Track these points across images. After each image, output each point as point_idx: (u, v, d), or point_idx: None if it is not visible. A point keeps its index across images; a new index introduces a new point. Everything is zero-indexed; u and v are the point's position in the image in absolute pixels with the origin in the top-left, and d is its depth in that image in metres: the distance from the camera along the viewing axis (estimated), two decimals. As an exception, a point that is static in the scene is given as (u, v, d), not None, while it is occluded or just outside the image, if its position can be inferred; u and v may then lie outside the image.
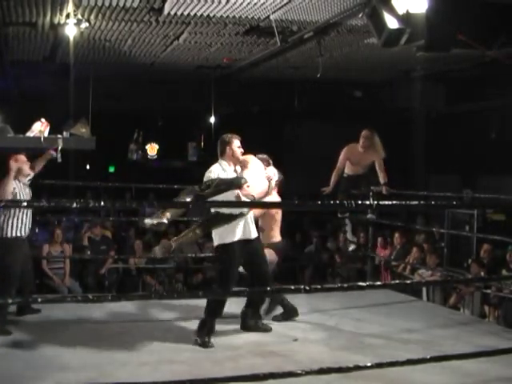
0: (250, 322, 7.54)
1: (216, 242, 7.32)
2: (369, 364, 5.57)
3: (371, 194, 10.00)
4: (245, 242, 7.26)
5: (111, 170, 22.49)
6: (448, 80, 16.49)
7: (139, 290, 12.55)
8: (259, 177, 7.48)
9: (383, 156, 9.84)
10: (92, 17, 10.67)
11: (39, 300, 5.43)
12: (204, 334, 7.10)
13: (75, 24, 10.76)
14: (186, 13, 10.32)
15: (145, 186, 14.95)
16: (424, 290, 11.07)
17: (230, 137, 7.44)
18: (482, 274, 10.35)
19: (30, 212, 7.83)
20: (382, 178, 9.78)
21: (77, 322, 7.98)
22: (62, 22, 10.84)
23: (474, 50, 8.61)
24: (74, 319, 8.03)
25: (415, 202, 6.07)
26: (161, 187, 11.71)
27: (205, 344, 7.03)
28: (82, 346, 7.19)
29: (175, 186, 12.21)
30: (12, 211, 7.57)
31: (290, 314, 8.07)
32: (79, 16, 10.57)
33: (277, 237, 8.24)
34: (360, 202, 5.45)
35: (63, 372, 6.17)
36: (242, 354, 6.82)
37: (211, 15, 10.48)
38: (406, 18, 8.24)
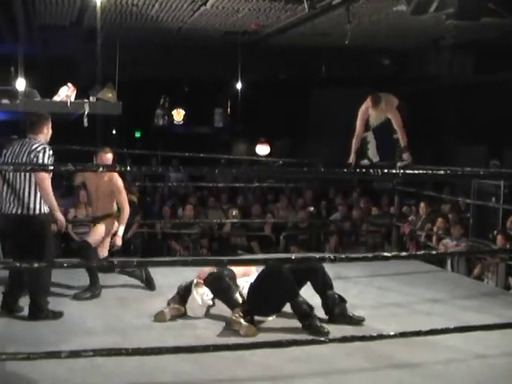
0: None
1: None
2: (392, 333, 5.58)
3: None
4: None
5: (137, 135, 22.56)
6: (477, 49, 16.32)
7: (164, 254, 12.62)
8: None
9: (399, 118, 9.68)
10: (119, -19, 10.66)
11: (65, 265, 5.47)
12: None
13: (103, -12, 10.76)
14: (213, -23, 10.28)
15: (170, 153, 15.02)
16: (449, 260, 11.05)
17: None
18: (508, 245, 10.30)
19: None
20: (401, 140, 9.62)
21: (101, 287, 8.05)
22: (90, -15, 10.85)
23: (504, 19, 8.52)
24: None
25: (441, 172, 6.03)
26: (186, 155, 11.72)
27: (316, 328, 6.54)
28: (107, 310, 7.26)
29: (201, 155, 12.29)
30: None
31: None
32: (107, -20, 10.57)
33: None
34: (386, 171, 5.42)
35: (88, 336, 6.23)
36: (263, 321, 6.85)
37: (239, -20, 10.43)
38: (436, -14, 8.15)
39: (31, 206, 6.77)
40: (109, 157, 8.08)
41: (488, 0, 8.10)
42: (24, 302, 6.96)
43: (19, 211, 6.77)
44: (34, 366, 5.18)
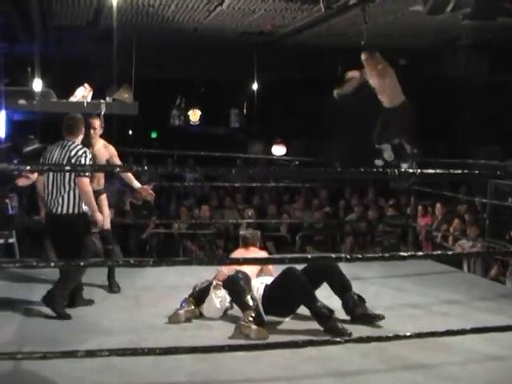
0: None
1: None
2: (408, 334, 5.56)
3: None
4: None
5: (153, 135, 22.60)
6: (494, 49, 16.25)
7: (180, 255, 12.63)
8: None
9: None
10: (136, -19, 10.66)
11: (81, 264, 5.49)
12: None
13: (119, -11, 10.77)
14: (229, -22, 10.26)
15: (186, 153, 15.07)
16: (465, 260, 11.00)
17: None
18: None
19: None
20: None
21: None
22: (106, -14, 10.85)
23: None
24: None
25: (458, 171, 6.00)
26: (202, 154, 11.80)
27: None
28: (123, 310, 7.28)
29: (216, 154, 12.33)
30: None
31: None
32: (123, -20, 10.57)
33: None
34: (403, 170, 5.40)
35: (105, 336, 6.25)
36: (279, 322, 6.85)
37: (255, -20, 10.41)
38: (452, -15, 8.12)
39: (71, 205, 7.00)
40: (98, 124, 8.12)
41: (505, 0, 8.07)
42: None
43: (64, 211, 7.00)
44: (51, 366, 5.20)
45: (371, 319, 6.81)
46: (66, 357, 5.02)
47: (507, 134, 16.41)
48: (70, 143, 7.08)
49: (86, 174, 6.96)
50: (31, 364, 5.26)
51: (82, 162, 6.98)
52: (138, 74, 12.49)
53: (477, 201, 13.21)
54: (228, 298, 7.03)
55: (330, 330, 6.44)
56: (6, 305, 7.11)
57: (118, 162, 8.23)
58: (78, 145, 7.11)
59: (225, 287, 7.06)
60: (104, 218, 7.99)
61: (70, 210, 6.98)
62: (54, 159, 7.02)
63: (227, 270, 7.11)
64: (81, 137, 7.24)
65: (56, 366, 5.21)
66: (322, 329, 6.50)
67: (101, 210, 7.98)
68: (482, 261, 10.92)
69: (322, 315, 6.55)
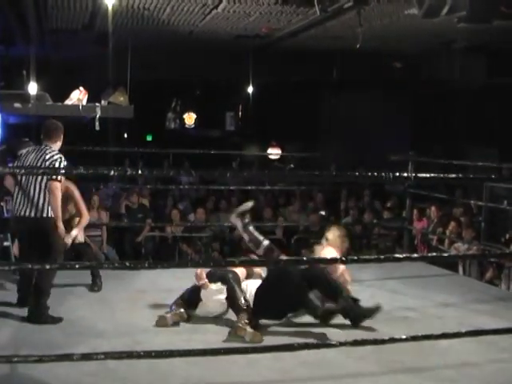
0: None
1: None
2: (404, 337, 5.56)
3: None
4: None
5: (149, 138, 22.59)
6: (489, 52, 16.28)
7: (175, 258, 12.61)
8: None
9: None
10: (131, -15, 10.65)
11: (77, 266, 5.48)
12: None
13: (114, -8, 10.75)
14: (225, -19, 10.26)
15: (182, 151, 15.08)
16: (460, 263, 11.01)
17: None
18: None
19: None
20: None
21: (112, 290, 8.07)
22: (102, -11, 10.84)
23: (517, 22, 8.48)
24: (110, 287, 8.12)
25: (453, 176, 5.99)
26: (198, 152, 11.84)
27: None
28: (118, 313, 7.26)
29: (212, 152, 12.34)
30: None
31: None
32: (118, -16, 10.56)
33: None
34: (397, 174, 5.36)
35: (98, 339, 6.23)
36: (274, 325, 6.84)
37: (250, -17, 10.41)
38: (448, -12, 8.11)
39: (43, 208, 6.90)
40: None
41: (500, 3, 8.07)
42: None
43: (32, 214, 6.90)
44: (46, 369, 5.19)
45: (369, 314, 6.80)
46: (62, 360, 5.01)
47: (503, 137, 16.46)
48: (46, 148, 7.01)
49: (58, 178, 6.87)
50: (27, 367, 5.25)
51: (56, 165, 6.90)
52: (133, 77, 12.47)
53: (472, 204, 13.23)
54: (222, 287, 6.98)
55: (343, 310, 6.66)
56: (1, 308, 7.09)
57: (72, 192, 8.26)
58: (54, 149, 7.03)
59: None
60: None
61: (39, 214, 6.88)
62: (28, 162, 6.94)
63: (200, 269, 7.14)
64: (59, 143, 7.17)
65: (52, 369, 5.20)
66: (322, 322, 6.55)
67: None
68: (477, 263, 10.92)
69: (315, 306, 6.62)
